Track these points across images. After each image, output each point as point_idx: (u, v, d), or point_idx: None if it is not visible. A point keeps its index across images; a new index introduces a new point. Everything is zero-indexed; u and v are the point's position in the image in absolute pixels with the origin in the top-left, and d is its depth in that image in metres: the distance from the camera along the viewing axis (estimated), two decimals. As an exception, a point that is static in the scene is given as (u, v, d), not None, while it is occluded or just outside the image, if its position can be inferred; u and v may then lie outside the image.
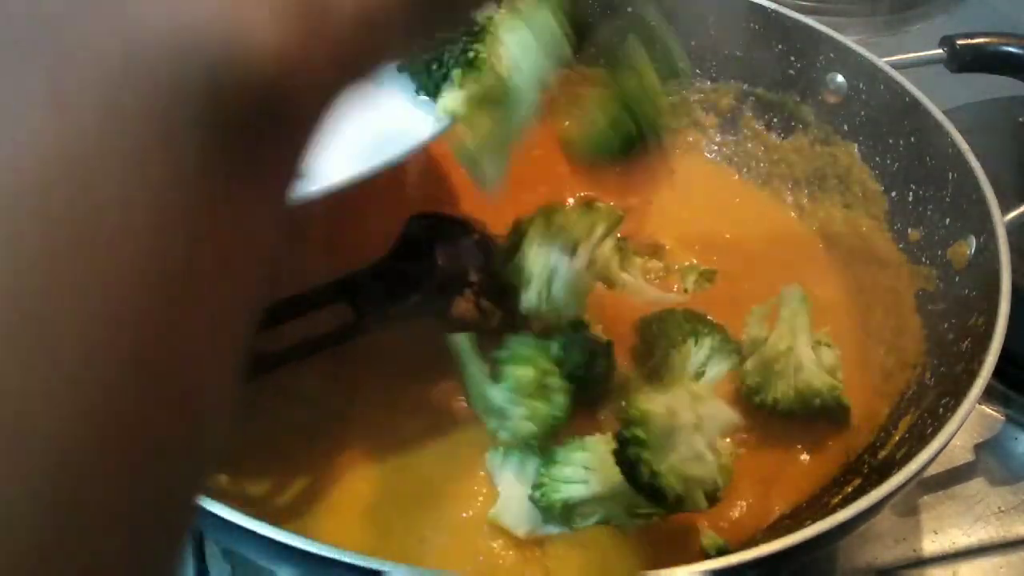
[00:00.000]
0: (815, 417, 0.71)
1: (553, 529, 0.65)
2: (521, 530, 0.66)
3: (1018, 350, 0.72)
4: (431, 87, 0.65)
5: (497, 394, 0.66)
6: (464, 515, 0.67)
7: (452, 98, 0.61)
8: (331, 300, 0.64)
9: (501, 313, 0.72)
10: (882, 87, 0.85)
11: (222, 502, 0.54)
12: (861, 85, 0.87)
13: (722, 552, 0.62)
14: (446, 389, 0.73)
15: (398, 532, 0.66)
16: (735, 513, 0.68)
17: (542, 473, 0.65)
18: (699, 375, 0.68)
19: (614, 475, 0.61)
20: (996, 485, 0.76)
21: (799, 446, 0.72)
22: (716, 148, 0.98)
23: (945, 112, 0.80)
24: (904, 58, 0.87)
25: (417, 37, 0.31)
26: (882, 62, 0.85)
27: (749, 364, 0.73)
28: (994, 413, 0.81)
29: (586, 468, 0.63)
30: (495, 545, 0.66)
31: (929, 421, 0.66)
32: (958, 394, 0.63)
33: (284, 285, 0.67)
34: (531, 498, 0.64)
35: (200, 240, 0.25)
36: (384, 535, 0.66)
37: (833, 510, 0.58)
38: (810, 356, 0.73)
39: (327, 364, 0.71)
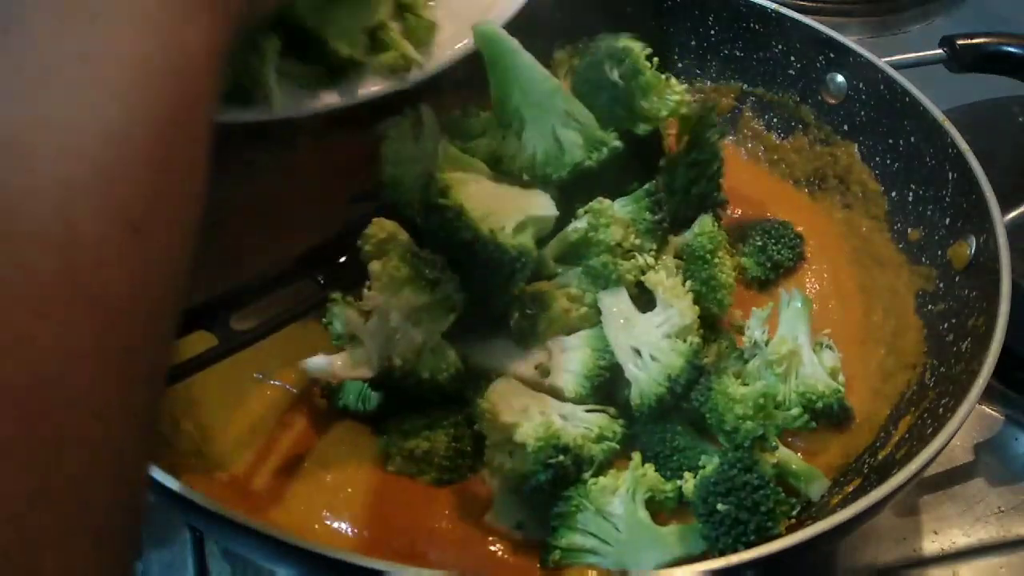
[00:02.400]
0: (816, 419, 0.71)
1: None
2: (518, 533, 0.66)
3: (1018, 350, 0.72)
4: None
5: None
6: (463, 516, 0.68)
7: None
8: (295, 278, 0.66)
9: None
10: (882, 87, 0.85)
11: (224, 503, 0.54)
12: (861, 85, 0.87)
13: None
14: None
15: (397, 532, 0.66)
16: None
17: (553, 544, 0.63)
18: None
19: (638, 536, 0.62)
20: (996, 485, 0.76)
21: (799, 447, 0.72)
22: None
23: (945, 112, 0.80)
24: (904, 58, 0.87)
25: None
26: (882, 62, 0.85)
27: (751, 367, 0.73)
28: (994, 413, 0.81)
29: (604, 542, 0.62)
30: (494, 547, 0.66)
31: (929, 421, 0.66)
32: (958, 394, 0.63)
33: (246, 268, 0.68)
34: (541, 561, 0.64)
35: None
36: (383, 535, 0.66)
37: (833, 510, 0.58)
38: (812, 359, 0.73)
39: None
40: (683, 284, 0.72)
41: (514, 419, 0.63)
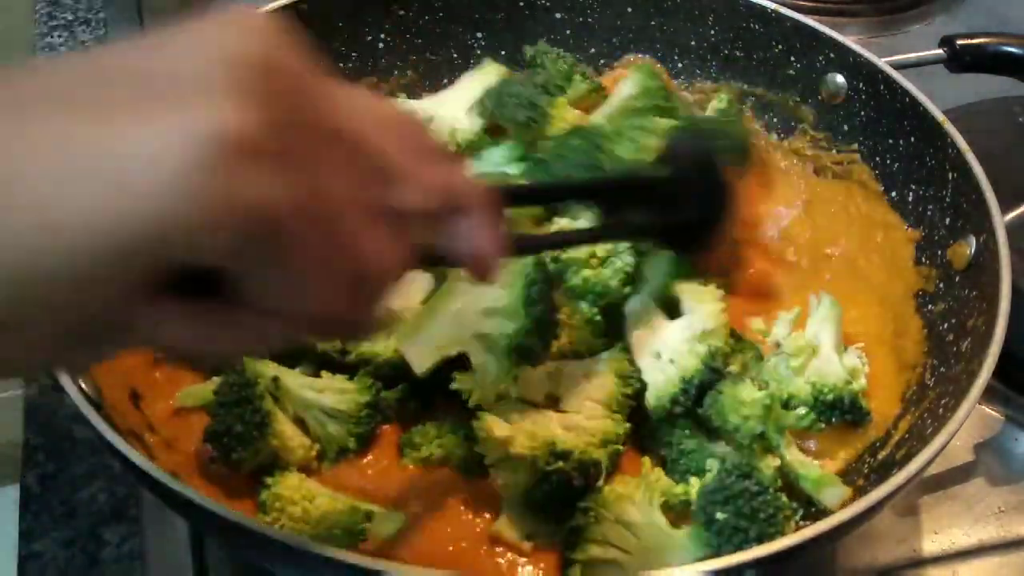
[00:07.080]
0: (826, 415, 0.70)
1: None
2: (527, 544, 0.65)
3: (1018, 350, 0.72)
4: None
5: None
6: (467, 521, 0.67)
7: None
8: (579, 196, 0.64)
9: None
10: (882, 87, 0.85)
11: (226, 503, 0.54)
12: (861, 85, 0.87)
13: None
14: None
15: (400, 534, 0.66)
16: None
17: (573, 559, 0.62)
18: None
19: (657, 542, 0.61)
20: (996, 485, 0.76)
21: (808, 451, 0.72)
22: (716, 148, 0.97)
23: (945, 112, 0.80)
24: (904, 58, 0.87)
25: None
26: (882, 62, 0.85)
27: (768, 365, 0.72)
28: (994, 413, 0.81)
29: (625, 551, 0.62)
30: (500, 555, 0.66)
31: (929, 421, 0.66)
32: (958, 394, 0.63)
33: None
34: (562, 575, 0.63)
35: None
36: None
37: (833, 510, 0.58)
38: (831, 356, 0.72)
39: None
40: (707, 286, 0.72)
41: (510, 433, 0.63)
